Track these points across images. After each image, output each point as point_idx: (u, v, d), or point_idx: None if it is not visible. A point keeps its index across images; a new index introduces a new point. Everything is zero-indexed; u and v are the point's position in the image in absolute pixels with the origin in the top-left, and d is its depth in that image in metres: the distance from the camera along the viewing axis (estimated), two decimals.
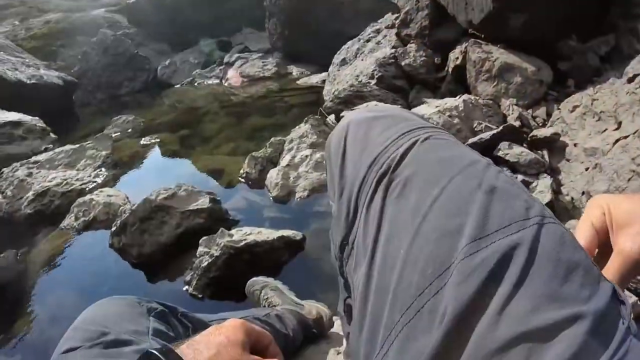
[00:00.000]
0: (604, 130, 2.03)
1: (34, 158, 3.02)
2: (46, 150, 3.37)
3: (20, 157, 3.17)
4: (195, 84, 5.42)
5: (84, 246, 2.26)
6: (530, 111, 2.62)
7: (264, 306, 1.44)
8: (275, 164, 2.64)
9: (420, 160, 0.59)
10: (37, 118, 3.72)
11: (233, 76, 5.38)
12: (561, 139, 2.22)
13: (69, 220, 2.44)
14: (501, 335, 0.41)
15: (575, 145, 2.12)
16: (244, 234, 1.89)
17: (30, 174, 2.83)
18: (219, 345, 0.54)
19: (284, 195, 2.37)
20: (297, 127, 2.85)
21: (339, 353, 1.31)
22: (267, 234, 1.90)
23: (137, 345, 0.73)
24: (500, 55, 2.86)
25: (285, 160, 2.57)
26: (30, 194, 2.66)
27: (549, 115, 2.53)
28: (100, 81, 5.52)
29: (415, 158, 0.59)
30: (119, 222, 2.14)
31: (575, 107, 2.32)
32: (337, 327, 1.45)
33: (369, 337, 0.53)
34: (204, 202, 2.15)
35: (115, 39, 5.76)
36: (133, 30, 7.06)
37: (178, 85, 5.51)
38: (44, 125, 3.68)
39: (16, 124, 3.55)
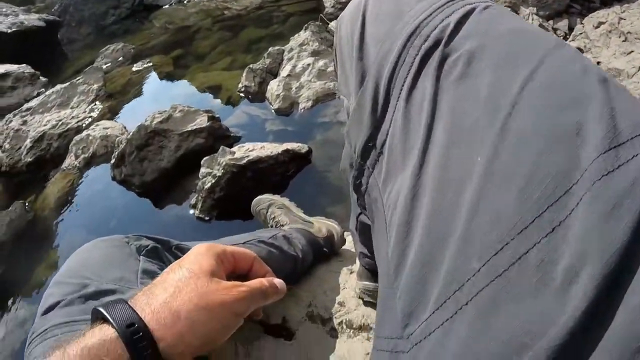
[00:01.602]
0: (630, 52, 1.92)
1: (26, 105, 2.89)
2: (38, 95, 3.22)
3: (13, 108, 3.04)
4: (185, 1, 5.06)
5: (88, 183, 2.18)
6: (551, 22, 2.41)
7: (271, 226, 1.34)
8: (275, 75, 2.44)
9: (487, 31, 0.40)
10: (23, 65, 3.56)
11: None
12: (584, 55, 2.04)
13: (69, 160, 2.34)
14: None
15: (598, 63, 1.96)
16: (247, 150, 1.75)
17: (24, 122, 2.71)
18: (179, 281, 0.46)
19: (287, 106, 2.20)
20: (297, 35, 2.61)
21: (351, 272, 1.21)
22: (271, 149, 1.77)
23: (121, 293, 0.64)
24: None
25: (285, 70, 2.36)
26: (27, 142, 2.56)
27: (570, 29, 2.32)
28: (83, 15, 5.20)
29: (477, 28, 0.40)
30: (116, 153, 2.04)
31: (600, 23, 2.17)
32: (349, 244, 1.34)
33: (416, 282, 0.35)
34: (202, 121, 2.00)
35: None
36: None
37: (167, 6, 5.15)
38: (32, 70, 3.52)
39: (3, 75, 3.40)
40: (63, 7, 5.22)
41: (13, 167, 2.50)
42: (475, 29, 0.40)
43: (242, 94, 2.44)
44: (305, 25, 2.64)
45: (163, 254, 0.78)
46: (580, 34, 2.20)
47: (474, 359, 0.29)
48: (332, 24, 2.88)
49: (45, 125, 2.65)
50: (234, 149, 1.78)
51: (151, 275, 0.70)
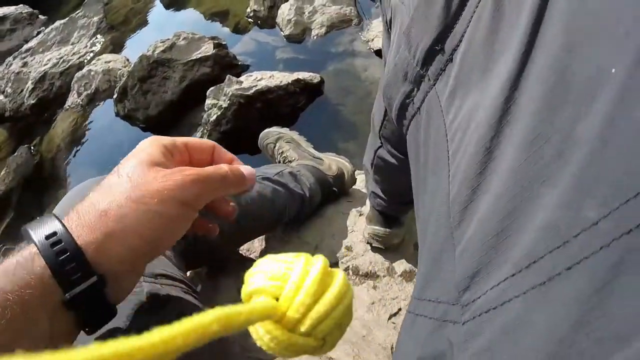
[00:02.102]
0: None
1: (25, 46, 2.76)
2: (38, 35, 3.08)
3: (14, 50, 2.91)
4: None
5: (92, 121, 2.10)
6: None
7: (279, 161, 1.25)
8: None
9: None
10: (21, 5, 3.39)
11: None
12: None
13: (72, 99, 2.24)
14: None
15: None
16: (255, 80, 1.62)
17: (25, 64, 2.59)
18: (112, 180, 0.37)
19: (298, 33, 2.04)
20: None
21: (361, 214, 1.13)
22: (281, 78, 1.64)
23: None
24: None
25: None
26: (29, 84, 2.45)
27: None
28: None
29: None
30: (118, 87, 1.93)
31: None
32: (360, 183, 1.25)
33: (489, 234, 0.25)
34: (207, 48, 1.86)
35: None
36: None
37: None
38: (30, 10, 3.36)
39: (1, 19, 3.25)
40: None
41: (17, 111, 2.41)
42: None
43: (250, 20, 2.27)
44: None
45: None
46: None
47: (579, 346, 0.19)
48: None
49: (45, 64, 2.53)
50: (242, 78, 1.65)
51: None
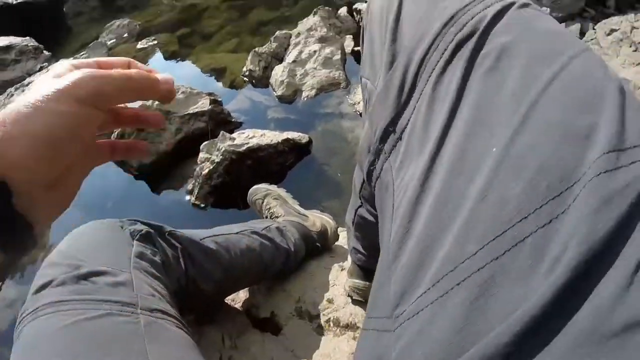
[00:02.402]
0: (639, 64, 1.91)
1: (27, 80, 2.84)
2: (41, 69, 3.19)
3: (16, 81, 3.00)
4: None
5: None
6: (563, 25, 2.36)
7: (266, 217, 1.33)
8: (280, 60, 2.40)
9: (522, 28, 0.40)
10: (27, 38, 3.50)
11: None
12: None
13: None
14: (632, 310, 0.26)
15: None
16: (247, 137, 1.73)
17: None
18: (16, 102, 0.34)
19: (290, 94, 2.17)
20: (305, 19, 2.57)
21: (342, 269, 1.21)
22: (272, 137, 1.74)
23: (113, 275, 0.65)
24: None
25: (291, 56, 2.32)
26: None
27: (582, 33, 2.30)
28: None
29: (513, 24, 0.40)
30: (116, 133, 2.00)
31: (612, 30, 2.16)
32: (342, 240, 1.33)
33: (410, 268, 0.36)
34: (204, 104, 1.97)
35: None
36: None
37: None
38: (36, 43, 3.47)
39: (7, 48, 3.35)
40: None
41: None
42: (511, 24, 0.40)
43: (246, 78, 2.41)
44: (315, 9, 2.59)
45: (156, 239, 0.80)
46: (592, 39, 2.18)
47: (462, 338, 0.30)
48: (342, 11, 2.85)
49: None
50: (235, 135, 1.76)
51: (145, 259, 0.73)
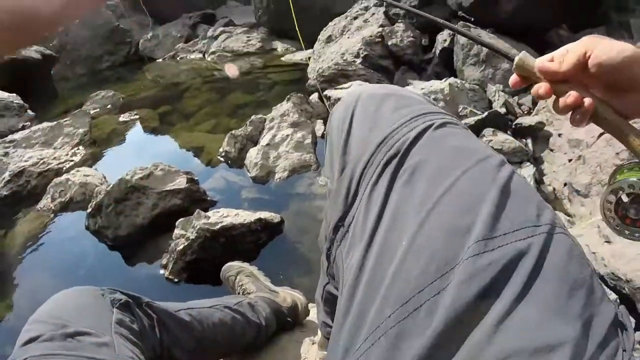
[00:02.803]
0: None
1: (10, 137, 2.93)
2: (24, 127, 3.27)
3: None
4: (178, 58, 5.29)
5: (61, 228, 2.22)
6: (516, 98, 2.63)
7: (238, 293, 1.42)
8: (255, 142, 2.59)
9: (433, 147, 0.56)
10: (14, 95, 3.59)
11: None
12: (546, 128, 2.23)
13: (45, 202, 2.38)
14: (498, 348, 0.40)
15: (559, 135, 2.13)
16: (221, 216, 1.85)
17: (6, 154, 2.74)
18: None
19: (263, 175, 2.33)
20: (279, 105, 2.79)
21: (313, 343, 1.30)
22: (245, 216, 1.87)
23: (97, 337, 0.72)
24: (489, 40, 2.83)
25: (265, 139, 2.51)
26: (6, 175, 2.58)
27: (534, 104, 2.53)
28: (79, 55, 5.36)
29: (428, 144, 0.56)
30: (94, 203, 2.10)
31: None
32: (313, 315, 1.43)
33: (352, 328, 0.50)
34: (181, 182, 2.10)
35: (95, 11, 5.57)
36: (114, 2, 6.82)
37: (160, 60, 5.37)
38: (21, 101, 3.56)
39: None
40: (61, 44, 5.36)
41: None
42: (425, 144, 0.56)
43: (222, 159, 2.57)
44: (288, 96, 2.83)
45: (134, 308, 0.88)
46: (543, 107, 2.36)
47: None
48: (313, 97, 3.11)
49: (26, 161, 2.70)
50: (209, 213, 1.87)
51: (124, 326, 0.80)
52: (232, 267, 1.51)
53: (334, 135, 0.70)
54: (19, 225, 2.28)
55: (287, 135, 2.52)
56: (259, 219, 1.88)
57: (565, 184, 1.86)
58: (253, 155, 2.41)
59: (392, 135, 0.58)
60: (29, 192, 2.54)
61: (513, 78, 0.55)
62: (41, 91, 4.46)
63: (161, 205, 2.03)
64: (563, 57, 0.50)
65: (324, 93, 2.99)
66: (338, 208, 0.60)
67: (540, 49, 2.64)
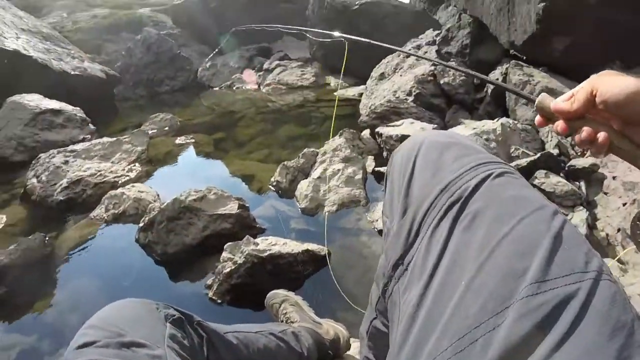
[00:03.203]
0: None
1: (71, 147, 3.08)
2: (84, 140, 3.44)
3: (59, 144, 3.26)
4: (234, 88, 5.49)
5: (111, 238, 2.29)
6: (569, 139, 2.55)
7: (282, 320, 1.43)
8: (306, 175, 2.63)
9: (493, 195, 0.59)
10: (77, 108, 3.80)
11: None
12: (600, 170, 2.17)
13: (99, 211, 2.47)
14: None
15: (614, 178, 2.06)
16: (269, 244, 1.87)
17: (66, 162, 2.88)
18: None
19: (313, 207, 2.35)
20: (332, 139, 2.83)
21: None
22: (292, 246, 1.88)
23: (151, 350, 0.73)
24: (541, 79, 2.82)
25: (316, 172, 2.55)
26: (64, 181, 2.71)
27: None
28: (141, 77, 5.64)
29: (487, 192, 0.59)
30: (147, 219, 2.16)
31: None
32: (354, 350, 1.41)
33: (410, 357, 0.53)
34: (232, 207, 2.14)
35: (159, 38, 5.89)
36: (177, 31, 7.21)
37: (217, 88, 5.59)
38: (83, 115, 3.77)
39: (57, 112, 3.64)
40: (125, 65, 5.68)
41: (44, 199, 2.64)
42: (484, 193, 0.59)
43: (273, 188, 2.61)
44: (341, 131, 2.88)
45: (186, 326, 0.89)
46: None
47: None
48: (365, 133, 3.14)
49: (84, 171, 2.83)
50: (258, 240, 1.90)
51: (175, 340, 0.81)
52: (277, 295, 1.52)
53: (395, 177, 0.74)
54: (71, 230, 2.37)
55: (338, 170, 2.54)
56: (306, 250, 1.89)
57: (619, 230, 1.78)
58: (304, 187, 2.44)
59: (455, 182, 0.62)
60: (84, 201, 2.65)
61: (537, 118, 0.62)
62: (103, 108, 4.71)
63: (211, 227, 2.06)
64: (575, 96, 0.56)
65: (376, 130, 3.03)
66: (399, 247, 0.64)
67: None
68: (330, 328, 1.38)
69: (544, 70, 2.91)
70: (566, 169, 2.22)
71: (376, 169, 2.69)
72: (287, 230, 2.21)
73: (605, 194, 2.05)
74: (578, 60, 2.74)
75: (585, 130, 0.55)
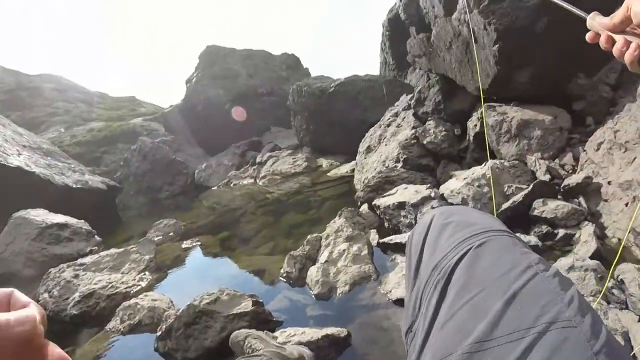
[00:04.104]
0: (634, 160, 2.01)
1: (80, 260, 3.15)
2: (91, 252, 3.52)
3: (67, 257, 3.33)
4: (232, 184, 5.66)
5: (129, 349, 2.29)
6: (557, 161, 2.62)
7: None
8: (314, 261, 2.69)
9: (467, 269, 0.68)
10: (82, 221, 3.91)
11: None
12: (594, 180, 2.20)
13: (114, 323, 2.49)
14: None
15: (609, 183, 2.09)
16: (288, 336, 1.89)
17: (76, 276, 2.94)
18: None
19: (326, 291, 2.38)
20: (332, 221, 2.92)
21: None
22: (311, 334, 1.90)
23: None
24: (515, 114, 2.94)
25: (323, 256, 2.61)
26: (76, 295, 2.75)
27: (576, 160, 2.51)
28: (141, 185, 5.83)
29: (464, 266, 0.69)
30: (164, 326, 2.18)
31: (599, 144, 2.30)
32: None
33: None
34: (246, 305, 2.17)
35: (153, 146, 6.16)
36: (170, 137, 7.54)
37: (215, 187, 5.77)
38: (89, 227, 3.87)
39: (63, 225, 3.74)
40: (124, 175, 5.89)
41: (57, 313, 2.66)
42: (462, 267, 0.68)
43: (283, 279, 2.65)
44: (340, 211, 2.97)
45: None
46: (586, 161, 2.30)
47: None
48: (363, 208, 3.23)
49: (95, 284, 2.88)
50: (276, 333, 1.92)
51: None
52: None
53: (412, 256, 0.85)
54: (88, 343, 2.37)
55: (344, 250, 2.61)
56: (326, 335, 1.90)
57: (629, 231, 1.80)
58: (313, 273, 2.49)
59: (442, 261, 0.72)
60: (97, 313, 2.68)
61: (588, 35, 0.70)
62: (106, 218, 4.82)
63: (229, 328, 2.08)
64: (615, 13, 0.64)
65: (374, 202, 3.11)
66: (408, 318, 0.75)
67: (566, 104, 2.70)
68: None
69: (516, 104, 3.03)
70: (562, 190, 2.25)
71: (380, 240, 2.74)
72: (304, 319, 2.22)
73: (606, 201, 2.07)
74: (544, 84, 2.89)
75: (620, 40, 0.63)
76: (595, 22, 0.68)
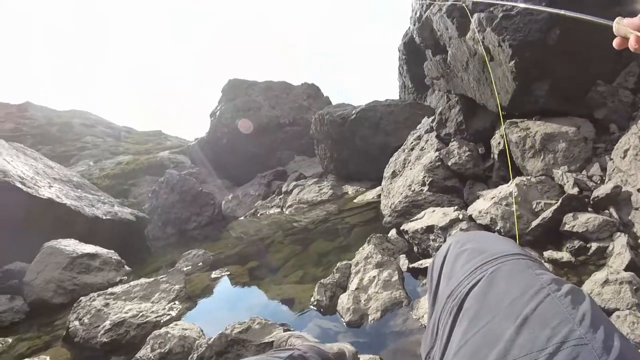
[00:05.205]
0: None
1: (110, 289, 3.20)
2: (121, 281, 3.56)
3: (97, 286, 3.38)
4: (258, 214, 5.70)
5: None
6: (584, 172, 2.56)
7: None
8: (344, 288, 2.66)
9: (479, 297, 0.70)
10: (112, 251, 3.98)
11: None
12: (623, 189, 2.14)
13: (144, 351, 2.48)
14: None
15: (638, 190, 2.05)
16: None
17: (107, 304, 2.98)
18: None
19: (357, 319, 2.34)
20: (361, 248, 2.90)
21: None
22: None
23: None
24: (538, 128, 2.90)
25: (353, 283, 2.58)
26: (107, 323, 2.77)
27: (603, 169, 2.45)
28: (169, 217, 5.91)
29: (477, 294, 0.70)
30: (195, 355, 2.17)
31: (625, 151, 2.25)
32: None
33: None
34: (278, 334, 2.15)
35: (180, 178, 6.28)
36: (196, 169, 7.68)
37: (242, 217, 5.81)
38: (118, 257, 3.93)
39: (93, 255, 3.82)
40: (152, 207, 6.00)
41: (87, 341, 2.68)
42: (475, 294, 0.69)
43: (314, 307, 2.62)
44: (368, 238, 2.94)
45: None
46: (613, 170, 2.24)
47: None
48: (392, 233, 3.20)
49: (126, 312, 2.90)
50: None
51: None
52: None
53: (433, 282, 0.87)
54: None
55: (374, 277, 2.57)
56: None
57: None
58: (344, 300, 2.46)
59: (456, 289, 0.74)
60: (128, 342, 2.69)
61: (615, 41, 0.67)
62: (136, 248, 4.90)
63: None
64: None
65: (401, 227, 3.08)
66: (427, 344, 0.78)
67: (588, 114, 2.63)
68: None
69: (538, 118, 2.98)
70: (591, 202, 2.20)
71: (410, 265, 2.71)
72: None
73: (637, 209, 2.02)
74: (563, 95, 2.85)
75: None
76: (622, 25, 0.67)
